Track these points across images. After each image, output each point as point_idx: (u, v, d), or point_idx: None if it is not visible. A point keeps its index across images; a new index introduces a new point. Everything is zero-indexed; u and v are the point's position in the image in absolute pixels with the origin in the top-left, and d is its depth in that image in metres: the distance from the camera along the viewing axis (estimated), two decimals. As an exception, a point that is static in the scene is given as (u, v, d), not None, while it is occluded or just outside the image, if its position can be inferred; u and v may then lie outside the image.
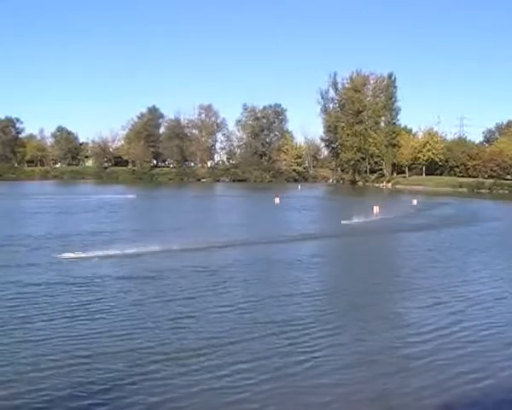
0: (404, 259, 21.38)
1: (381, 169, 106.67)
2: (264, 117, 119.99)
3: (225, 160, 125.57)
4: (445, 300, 14.39)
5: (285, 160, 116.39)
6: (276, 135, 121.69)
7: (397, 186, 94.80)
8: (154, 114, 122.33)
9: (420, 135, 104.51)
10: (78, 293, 14.29)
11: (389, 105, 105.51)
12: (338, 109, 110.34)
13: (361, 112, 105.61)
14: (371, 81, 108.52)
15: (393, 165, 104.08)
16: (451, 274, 18.12)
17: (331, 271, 19.68)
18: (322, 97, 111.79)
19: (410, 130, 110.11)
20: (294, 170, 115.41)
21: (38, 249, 20.93)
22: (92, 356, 9.72)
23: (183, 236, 23.75)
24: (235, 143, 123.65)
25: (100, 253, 19.38)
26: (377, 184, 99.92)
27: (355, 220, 33.42)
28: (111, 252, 19.57)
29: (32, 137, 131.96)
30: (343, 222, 33.05)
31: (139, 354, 9.83)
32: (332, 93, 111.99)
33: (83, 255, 19.01)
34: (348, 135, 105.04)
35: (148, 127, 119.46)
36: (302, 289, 15.27)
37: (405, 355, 10.16)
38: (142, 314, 12.52)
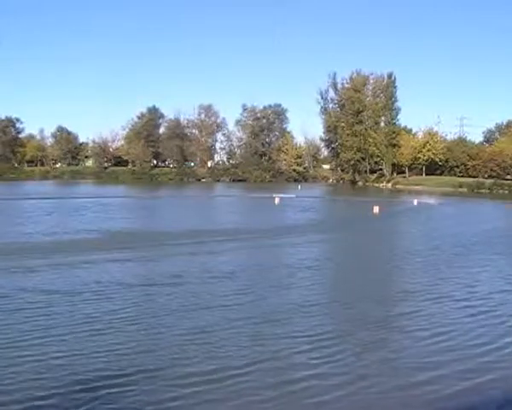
0: (422, 263, 19.83)
1: (381, 169, 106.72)
2: (264, 117, 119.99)
3: (225, 160, 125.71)
4: (483, 309, 13.11)
5: (285, 160, 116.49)
6: (276, 135, 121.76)
7: (397, 186, 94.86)
8: (154, 114, 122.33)
9: (420, 135, 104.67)
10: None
11: (389, 105, 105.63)
12: (338, 109, 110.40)
13: (361, 112, 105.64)
14: (371, 81, 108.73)
15: (393, 165, 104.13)
16: (481, 280, 16.71)
17: (350, 275, 18.17)
18: (322, 97, 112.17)
19: (410, 130, 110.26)
20: (294, 170, 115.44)
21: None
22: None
23: None
24: (235, 143, 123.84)
25: None
26: (377, 184, 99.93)
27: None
28: None
29: (31, 137, 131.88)
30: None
31: (149, 375, 8.74)
32: (332, 93, 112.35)
33: None
34: (348, 135, 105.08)
35: (148, 127, 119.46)
36: (324, 297, 14.23)
37: (447, 375, 8.93)
38: (158, 326, 11.44)
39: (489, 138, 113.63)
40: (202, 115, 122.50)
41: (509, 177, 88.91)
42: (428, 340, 10.74)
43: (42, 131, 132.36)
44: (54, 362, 8.99)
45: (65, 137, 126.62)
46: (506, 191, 78.01)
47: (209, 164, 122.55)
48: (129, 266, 18.03)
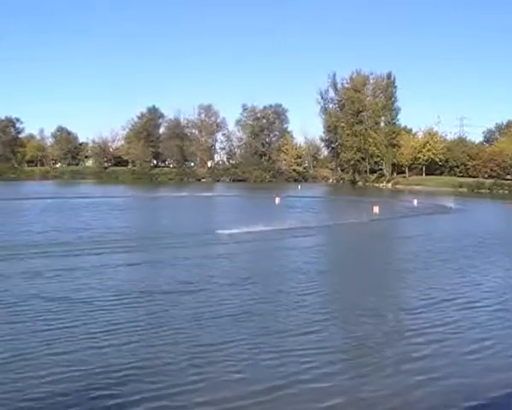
0: (438, 265, 18.76)
1: (381, 169, 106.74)
2: (264, 117, 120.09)
3: (225, 160, 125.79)
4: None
5: (285, 160, 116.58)
6: (276, 135, 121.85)
7: (397, 186, 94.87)
8: (154, 114, 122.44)
9: (420, 135, 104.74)
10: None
11: (389, 105, 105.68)
12: (338, 109, 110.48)
13: (361, 112, 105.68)
14: (371, 81, 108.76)
15: (393, 165, 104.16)
16: (510, 286, 15.84)
17: (365, 280, 16.93)
18: (322, 97, 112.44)
19: (410, 130, 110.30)
20: (294, 170, 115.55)
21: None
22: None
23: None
24: (235, 143, 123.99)
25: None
26: (377, 184, 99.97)
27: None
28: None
29: (31, 137, 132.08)
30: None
31: (158, 397, 7.92)
32: (332, 93, 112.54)
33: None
34: (348, 135, 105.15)
35: (148, 127, 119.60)
36: (346, 305, 13.32)
37: (493, 389, 8.38)
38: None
39: (489, 138, 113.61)
40: (202, 115, 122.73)
41: (509, 177, 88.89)
42: (464, 349, 10.17)
43: (42, 131, 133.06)
44: (52, 378, 8.42)
45: (65, 137, 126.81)
46: (506, 191, 78.04)
47: (209, 164, 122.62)
48: (132, 271, 17.27)
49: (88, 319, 11.49)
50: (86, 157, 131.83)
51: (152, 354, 9.49)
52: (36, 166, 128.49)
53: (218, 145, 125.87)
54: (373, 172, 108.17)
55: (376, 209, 40.75)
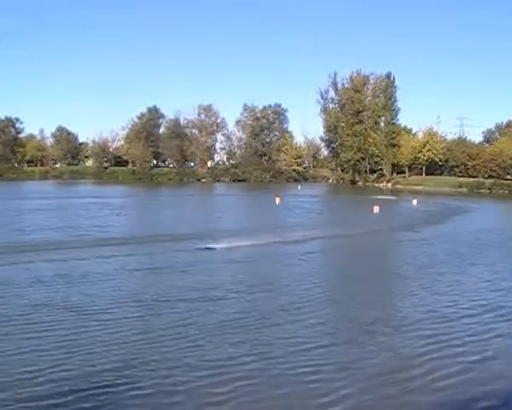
0: (457, 268, 18.30)
1: (380, 169, 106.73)
2: (264, 117, 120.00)
3: (225, 160, 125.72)
4: None
5: (285, 160, 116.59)
6: (276, 135, 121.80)
7: (397, 186, 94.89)
8: (154, 114, 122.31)
9: (420, 135, 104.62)
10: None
11: (389, 105, 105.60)
12: (338, 109, 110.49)
13: (361, 112, 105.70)
14: (371, 81, 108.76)
15: (393, 165, 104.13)
16: None
17: (387, 285, 16.40)
18: (322, 97, 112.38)
19: (410, 130, 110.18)
20: (294, 170, 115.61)
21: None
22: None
23: None
24: (235, 143, 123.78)
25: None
26: (377, 184, 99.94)
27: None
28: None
29: (31, 137, 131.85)
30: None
31: None
32: (332, 93, 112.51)
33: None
34: (348, 135, 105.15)
35: (148, 127, 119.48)
36: (378, 315, 12.37)
37: None
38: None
39: (489, 138, 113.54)
40: (202, 115, 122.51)
41: (508, 177, 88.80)
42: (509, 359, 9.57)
43: (42, 131, 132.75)
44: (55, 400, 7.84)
45: (65, 137, 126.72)
46: (506, 191, 78.13)
47: (209, 164, 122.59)
48: (135, 276, 16.64)
49: (88, 330, 10.94)
50: (86, 157, 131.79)
51: (160, 373, 8.87)
52: (36, 166, 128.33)
53: (217, 145, 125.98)
54: (373, 172, 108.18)
55: (377, 209, 40.95)
